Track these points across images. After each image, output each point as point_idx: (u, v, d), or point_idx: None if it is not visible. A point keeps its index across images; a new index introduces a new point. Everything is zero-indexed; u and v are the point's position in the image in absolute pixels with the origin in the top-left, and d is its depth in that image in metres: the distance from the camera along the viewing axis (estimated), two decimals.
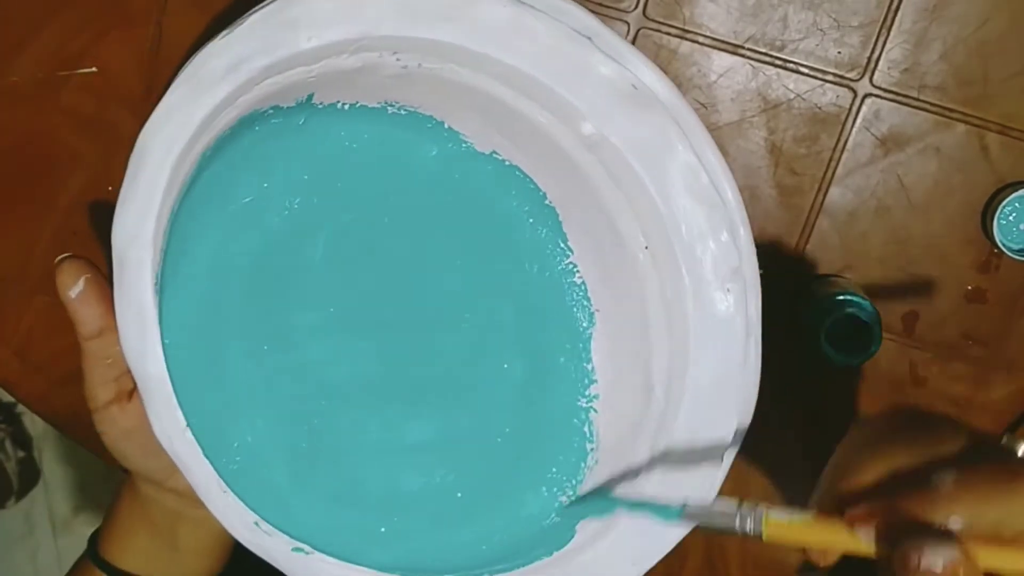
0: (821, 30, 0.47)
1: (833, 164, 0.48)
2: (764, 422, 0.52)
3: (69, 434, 0.56)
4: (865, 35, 0.47)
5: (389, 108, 0.37)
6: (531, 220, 0.40)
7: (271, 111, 0.35)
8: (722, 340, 0.36)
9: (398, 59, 0.34)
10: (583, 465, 0.40)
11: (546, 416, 0.40)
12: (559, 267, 0.40)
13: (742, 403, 0.36)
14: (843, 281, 0.49)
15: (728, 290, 0.35)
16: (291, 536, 0.37)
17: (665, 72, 0.48)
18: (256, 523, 0.37)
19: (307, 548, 0.37)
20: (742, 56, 0.48)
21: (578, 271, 0.40)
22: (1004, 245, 0.47)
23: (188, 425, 0.34)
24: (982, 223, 0.48)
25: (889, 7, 0.47)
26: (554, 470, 0.40)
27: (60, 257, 0.38)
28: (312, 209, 0.38)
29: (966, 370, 0.50)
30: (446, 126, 0.38)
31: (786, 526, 0.30)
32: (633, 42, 0.48)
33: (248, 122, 0.34)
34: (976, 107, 0.47)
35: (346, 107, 0.37)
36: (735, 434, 0.37)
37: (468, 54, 0.33)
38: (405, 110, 0.38)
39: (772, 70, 0.48)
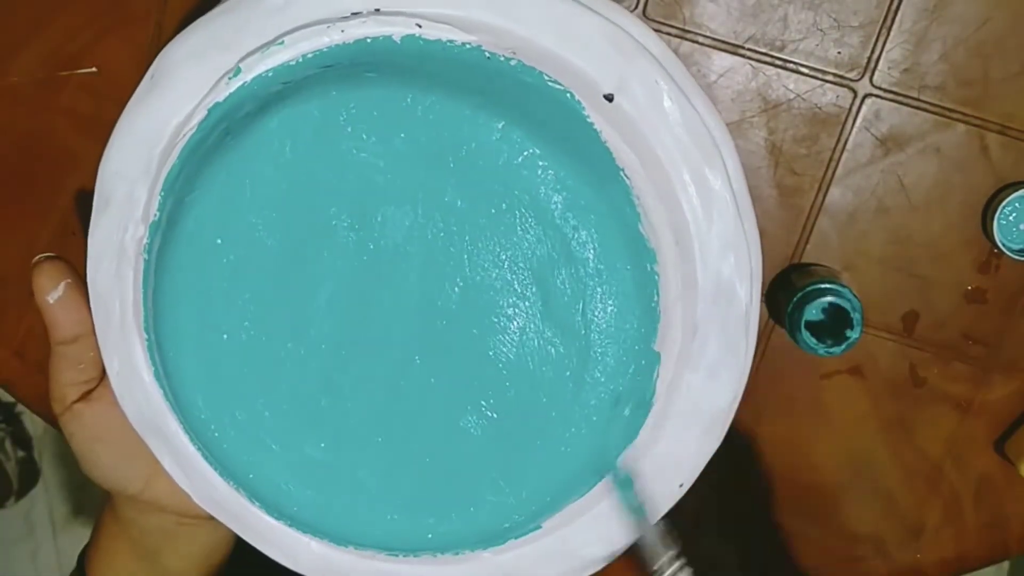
0: (821, 30, 0.47)
1: (833, 164, 0.48)
2: (765, 427, 0.52)
3: None
4: (865, 35, 0.47)
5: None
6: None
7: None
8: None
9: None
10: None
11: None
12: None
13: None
14: (821, 269, 0.49)
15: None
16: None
17: None
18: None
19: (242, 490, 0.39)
20: (742, 56, 0.48)
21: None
22: (1004, 245, 0.47)
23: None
24: (982, 223, 0.48)
25: (889, 7, 0.47)
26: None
27: (38, 257, 0.38)
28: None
29: (966, 370, 0.50)
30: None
31: None
32: None
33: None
34: (976, 107, 0.47)
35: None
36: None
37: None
38: None
39: (772, 70, 0.48)
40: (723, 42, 0.48)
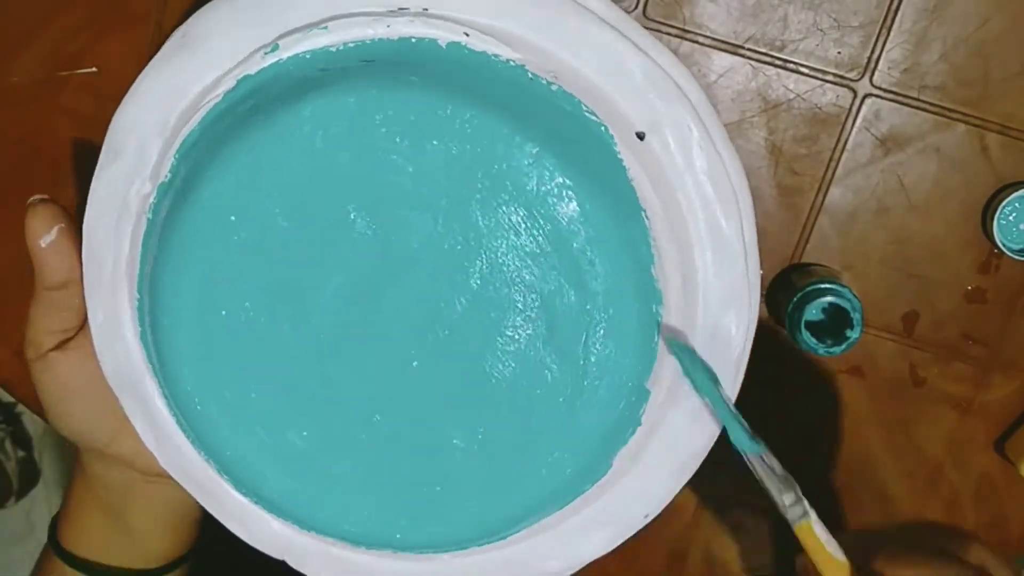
0: (821, 30, 0.47)
1: (833, 164, 0.48)
2: (765, 428, 0.52)
3: None
4: (865, 35, 0.47)
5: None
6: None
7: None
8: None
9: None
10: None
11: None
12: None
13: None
14: (821, 269, 0.49)
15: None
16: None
17: None
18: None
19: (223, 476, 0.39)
20: (742, 56, 0.48)
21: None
22: (1004, 245, 0.47)
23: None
24: (982, 223, 0.49)
25: (889, 7, 0.47)
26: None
27: (33, 199, 0.36)
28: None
29: (966, 370, 0.50)
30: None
31: (815, 541, 0.33)
32: None
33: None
34: (976, 107, 0.47)
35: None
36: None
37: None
38: None
39: (772, 70, 0.48)
40: (723, 42, 0.48)
